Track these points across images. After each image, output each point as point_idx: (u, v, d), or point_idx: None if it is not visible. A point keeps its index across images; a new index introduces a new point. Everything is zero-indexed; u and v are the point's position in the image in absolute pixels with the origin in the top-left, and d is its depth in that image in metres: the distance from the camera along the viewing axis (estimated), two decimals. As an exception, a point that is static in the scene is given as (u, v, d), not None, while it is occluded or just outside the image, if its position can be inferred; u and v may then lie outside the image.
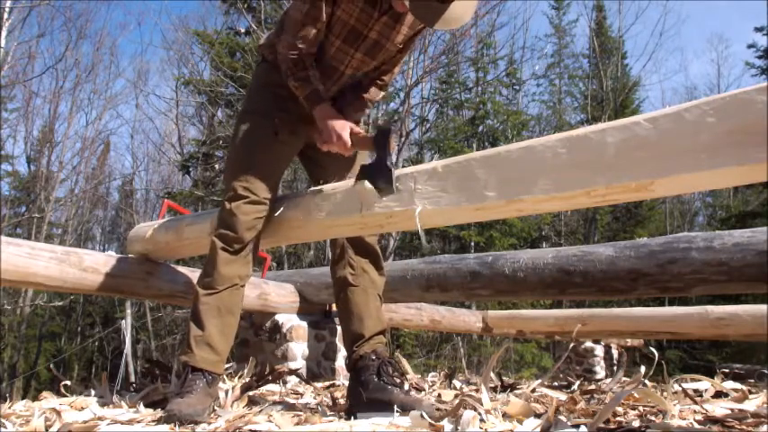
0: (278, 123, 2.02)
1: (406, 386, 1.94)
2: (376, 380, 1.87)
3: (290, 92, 1.99)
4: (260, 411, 1.76)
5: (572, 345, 4.85)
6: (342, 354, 3.60)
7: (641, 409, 1.72)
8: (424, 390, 2.69)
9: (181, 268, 2.84)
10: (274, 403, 2.05)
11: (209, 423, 1.65)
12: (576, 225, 16.88)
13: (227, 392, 2.04)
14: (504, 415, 1.49)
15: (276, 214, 2.01)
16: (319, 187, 1.97)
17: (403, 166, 1.80)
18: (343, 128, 1.88)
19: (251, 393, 2.20)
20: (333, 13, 1.91)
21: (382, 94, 2.19)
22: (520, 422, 1.41)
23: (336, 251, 2.07)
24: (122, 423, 1.67)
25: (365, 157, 2.17)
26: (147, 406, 1.95)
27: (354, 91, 2.10)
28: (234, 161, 2.03)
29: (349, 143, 1.88)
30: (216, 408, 1.87)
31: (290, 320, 3.50)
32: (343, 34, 1.95)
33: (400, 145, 11.86)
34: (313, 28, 1.90)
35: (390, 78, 2.17)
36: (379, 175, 1.73)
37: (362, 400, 1.85)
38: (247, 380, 2.27)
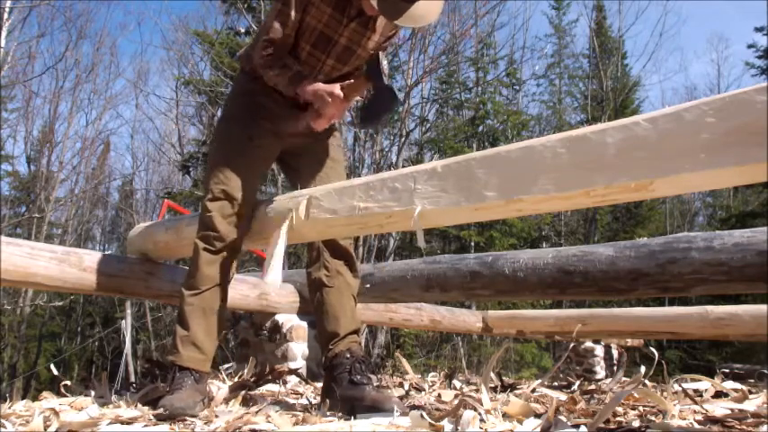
0: (254, 129, 2.09)
1: (376, 383, 1.99)
2: (348, 377, 1.92)
3: (267, 97, 2.06)
4: (258, 411, 1.76)
5: (572, 345, 4.85)
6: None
7: (641, 409, 1.72)
8: (424, 390, 2.69)
9: (181, 268, 2.84)
10: (274, 403, 2.05)
11: (208, 423, 1.66)
12: (576, 225, 16.88)
13: (218, 389, 2.06)
14: (504, 415, 1.49)
15: (275, 215, 2.03)
16: (301, 191, 2.02)
17: (403, 166, 1.82)
18: (332, 87, 1.95)
19: (252, 393, 2.21)
20: (302, 20, 1.96)
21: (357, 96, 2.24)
22: (520, 422, 1.41)
23: (312, 254, 2.12)
24: (122, 423, 1.67)
25: (340, 164, 2.22)
26: (144, 405, 1.96)
27: None
28: (212, 165, 2.09)
29: (342, 95, 1.94)
30: (212, 406, 1.88)
31: (290, 320, 3.50)
32: (312, 39, 2.00)
33: (400, 144, 11.86)
34: (282, 26, 1.95)
35: None
36: (382, 98, 1.79)
37: (335, 397, 1.90)
38: (237, 379, 2.28)
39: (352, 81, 1.98)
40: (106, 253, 2.62)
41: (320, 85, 1.95)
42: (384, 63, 1.87)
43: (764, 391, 1.98)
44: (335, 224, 1.88)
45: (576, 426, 1.29)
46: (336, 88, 1.94)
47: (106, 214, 21.68)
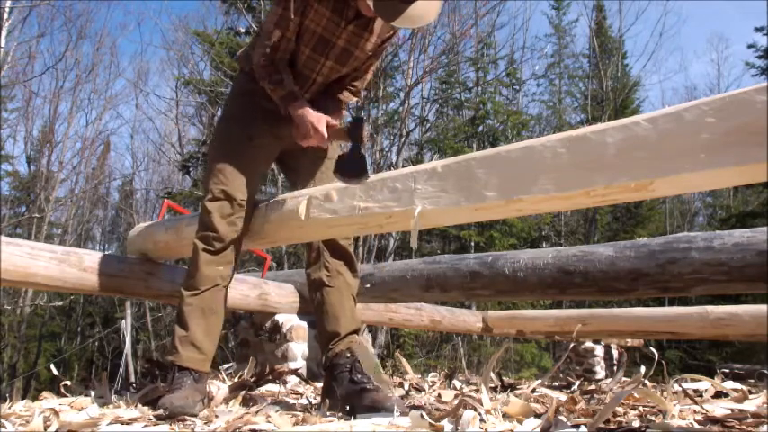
0: (254, 129, 2.10)
1: (376, 383, 2.00)
2: (348, 377, 1.93)
3: (266, 99, 2.06)
4: (258, 411, 1.77)
5: (572, 345, 4.85)
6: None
7: (641, 409, 1.72)
8: (424, 390, 2.69)
9: (181, 268, 2.84)
10: (274, 403, 2.05)
11: (208, 423, 1.66)
12: (576, 225, 16.87)
13: (218, 389, 2.06)
14: (504, 415, 1.49)
15: (275, 215, 2.04)
16: (295, 192, 2.03)
17: (403, 166, 1.82)
18: (320, 121, 1.95)
19: (252, 393, 2.21)
20: (302, 23, 1.97)
21: (355, 98, 2.24)
22: (520, 422, 1.41)
23: (312, 254, 2.13)
24: (122, 423, 1.67)
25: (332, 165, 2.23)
26: (144, 405, 1.96)
27: (328, 96, 2.17)
28: (211, 165, 2.10)
29: (326, 135, 1.95)
30: (212, 406, 1.89)
31: (290, 320, 3.50)
32: (312, 43, 2.01)
33: (400, 144, 11.86)
34: (282, 33, 1.95)
35: (363, 84, 2.25)
36: (353, 163, 1.81)
37: (336, 397, 1.90)
38: (237, 379, 2.28)
39: (338, 126, 1.98)
40: (106, 253, 2.62)
41: (309, 115, 1.95)
42: (366, 131, 1.88)
43: (764, 391, 1.98)
44: (335, 224, 1.88)
45: (576, 426, 1.29)
46: (322, 125, 1.94)
47: (106, 214, 21.69)
